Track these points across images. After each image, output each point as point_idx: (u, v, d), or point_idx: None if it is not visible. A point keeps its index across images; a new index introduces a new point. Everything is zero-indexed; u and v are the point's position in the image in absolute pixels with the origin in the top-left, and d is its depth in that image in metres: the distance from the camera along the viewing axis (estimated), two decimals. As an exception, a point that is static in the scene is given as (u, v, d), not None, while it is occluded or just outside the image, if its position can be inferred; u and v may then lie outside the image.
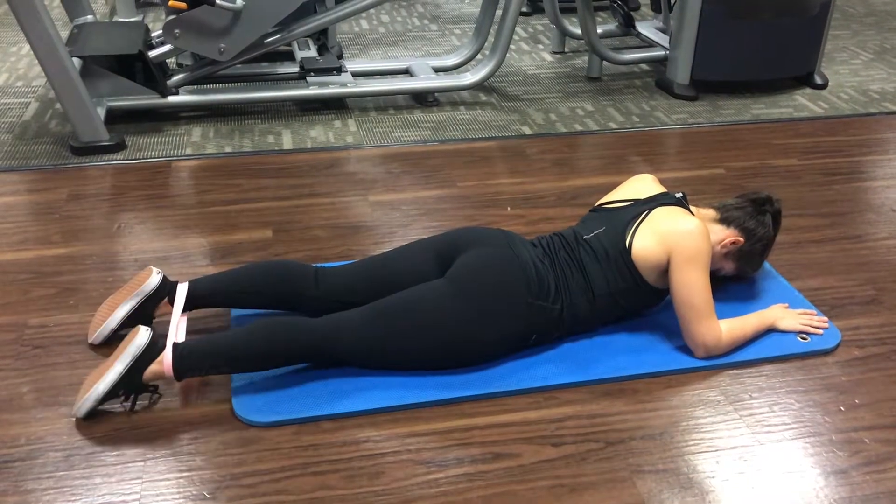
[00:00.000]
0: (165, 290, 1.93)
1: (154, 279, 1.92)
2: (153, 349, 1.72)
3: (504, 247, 1.90)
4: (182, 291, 1.92)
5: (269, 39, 3.25)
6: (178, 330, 1.83)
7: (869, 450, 1.68)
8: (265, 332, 1.77)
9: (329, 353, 1.80)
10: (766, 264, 2.25)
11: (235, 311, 2.03)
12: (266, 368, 1.81)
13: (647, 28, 4.12)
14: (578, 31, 3.91)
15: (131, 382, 1.71)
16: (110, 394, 1.69)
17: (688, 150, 3.11)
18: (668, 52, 3.71)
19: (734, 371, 1.90)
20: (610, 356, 1.91)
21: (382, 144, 3.11)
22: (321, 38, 3.86)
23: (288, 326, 1.79)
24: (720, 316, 1.91)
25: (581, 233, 1.98)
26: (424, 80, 3.50)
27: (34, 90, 3.57)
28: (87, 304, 2.08)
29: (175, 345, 1.73)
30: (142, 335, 1.73)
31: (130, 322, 1.91)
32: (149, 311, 1.93)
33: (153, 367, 1.71)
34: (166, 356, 1.71)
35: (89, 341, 1.92)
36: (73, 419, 1.71)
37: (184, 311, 1.90)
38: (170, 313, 1.92)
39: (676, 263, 1.85)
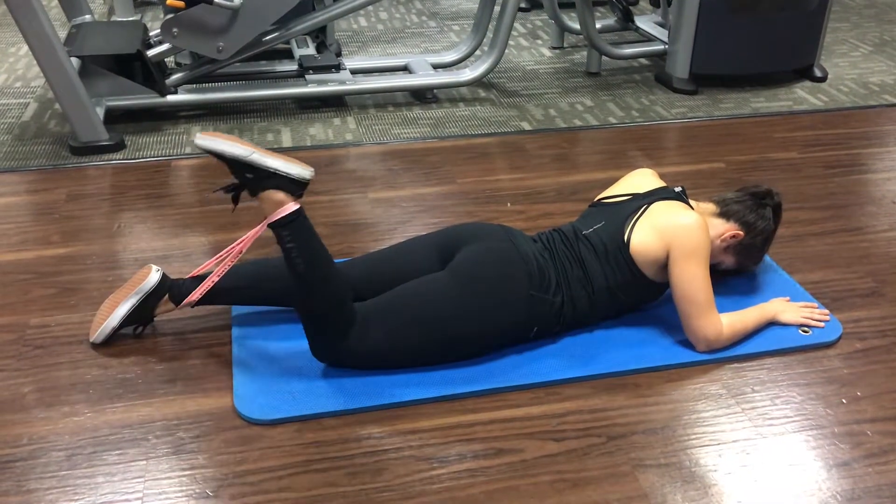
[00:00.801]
0: (165, 288, 1.93)
1: (153, 277, 1.92)
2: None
3: (505, 240, 1.90)
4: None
5: (268, 37, 3.25)
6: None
7: (871, 442, 1.68)
8: (327, 260, 1.78)
9: (332, 341, 1.79)
10: (767, 258, 2.25)
11: (235, 310, 2.03)
12: (296, 299, 1.80)
13: (645, 22, 4.12)
14: (577, 26, 3.91)
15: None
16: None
17: (688, 145, 3.10)
18: (667, 46, 3.71)
19: (736, 364, 1.90)
20: (611, 351, 1.91)
21: (382, 141, 3.10)
22: (320, 35, 3.85)
23: (341, 283, 1.80)
24: (721, 310, 1.91)
25: (580, 228, 1.97)
26: (423, 77, 3.49)
27: (33, 90, 3.56)
28: (87, 304, 2.08)
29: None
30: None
31: (131, 320, 1.92)
32: (150, 308, 1.93)
33: (280, 195, 1.70)
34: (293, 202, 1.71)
35: (91, 340, 1.92)
36: (75, 418, 1.71)
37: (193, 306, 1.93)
38: (171, 311, 1.93)
39: (676, 258, 1.85)
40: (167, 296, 1.93)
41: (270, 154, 1.72)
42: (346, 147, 3.06)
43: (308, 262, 1.74)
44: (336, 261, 2.05)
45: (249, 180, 1.72)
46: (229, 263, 1.85)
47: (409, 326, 1.79)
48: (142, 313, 1.92)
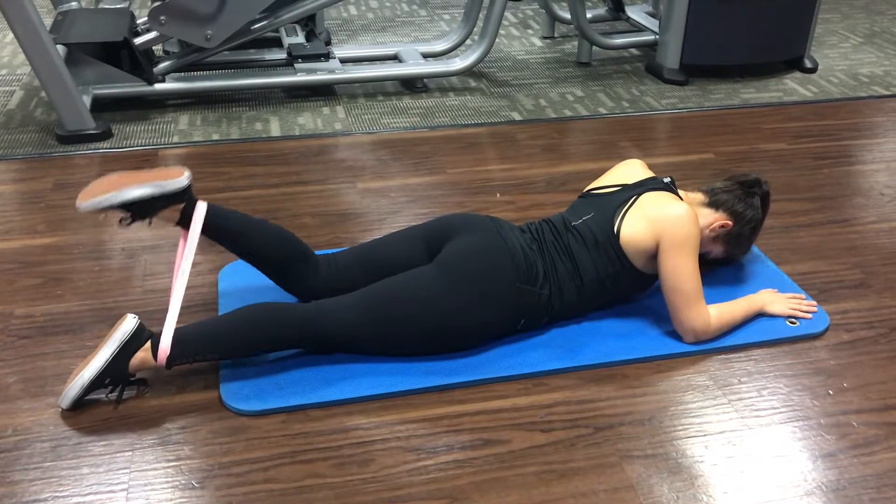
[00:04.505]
0: (186, 197, 1.81)
1: (183, 181, 1.78)
2: (140, 336, 1.71)
3: (492, 232, 1.89)
4: (200, 213, 1.81)
5: (257, 26, 3.23)
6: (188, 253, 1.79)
7: (857, 433, 1.69)
8: (253, 317, 1.76)
9: (317, 339, 1.79)
10: (755, 248, 2.25)
11: (223, 298, 2.02)
12: (255, 354, 1.80)
13: (636, 12, 4.11)
14: (568, 15, 3.89)
15: (118, 371, 1.69)
16: (96, 382, 1.68)
17: (678, 135, 3.10)
18: (657, 36, 3.70)
19: (723, 356, 1.90)
20: (599, 341, 1.91)
21: (371, 131, 3.09)
22: (309, 24, 3.83)
23: (276, 311, 1.78)
24: (709, 300, 1.91)
25: (570, 219, 1.97)
26: (413, 66, 3.48)
27: (19, 78, 3.53)
28: (73, 294, 2.07)
29: (162, 333, 1.71)
30: (128, 322, 1.71)
31: (132, 209, 1.77)
32: (156, 207, 1.78)
33: (140, 355, 1.70)
34: (163, 340, 1.69)
35: (76, 204, 1.75)
36: (60, 409, 1.70)
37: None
38: (171, 221, 1.82)
39: (665, 249, 1.85)
40: (182, 205, 1.82)
41: (98, 350, 1.69)
42: (335, 136, 3.04)
43: (221, 349, 1.76)
44: (324, 251, 2.05)
45: (115, 380, 1.71)
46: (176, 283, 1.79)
47: (395, 319, 1.78)
48: (146, 207, 1.78)
